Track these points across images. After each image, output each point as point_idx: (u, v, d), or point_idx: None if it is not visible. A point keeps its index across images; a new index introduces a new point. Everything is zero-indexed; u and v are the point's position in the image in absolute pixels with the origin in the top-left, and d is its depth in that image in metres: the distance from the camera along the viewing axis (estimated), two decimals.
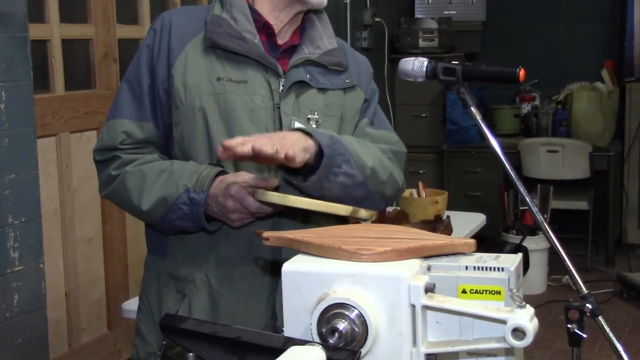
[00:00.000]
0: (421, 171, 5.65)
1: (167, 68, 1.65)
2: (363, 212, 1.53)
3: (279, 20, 1.70)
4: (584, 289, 1.33)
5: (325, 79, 1.72)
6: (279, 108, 1.65)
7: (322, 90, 1.71)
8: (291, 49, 1.72)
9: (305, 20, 1.75)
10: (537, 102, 5.74)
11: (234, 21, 1.66)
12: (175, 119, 1.66)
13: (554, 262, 4.85)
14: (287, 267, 1.16)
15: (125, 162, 1.66)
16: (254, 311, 1.64)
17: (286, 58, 1.70)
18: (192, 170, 1.61)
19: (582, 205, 5.29)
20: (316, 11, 1.75)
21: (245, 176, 1.57)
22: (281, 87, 1.66)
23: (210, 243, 1.66)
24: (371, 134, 1.77)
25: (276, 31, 1.70)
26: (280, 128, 1.64)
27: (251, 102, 1.64)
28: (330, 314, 1.11)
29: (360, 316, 1.10)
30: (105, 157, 1.69)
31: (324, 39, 1.73)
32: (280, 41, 1.72)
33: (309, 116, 1.68)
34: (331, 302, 1.11)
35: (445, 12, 5.76)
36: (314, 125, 1.67)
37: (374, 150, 1.70)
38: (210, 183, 1.57)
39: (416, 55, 1.64)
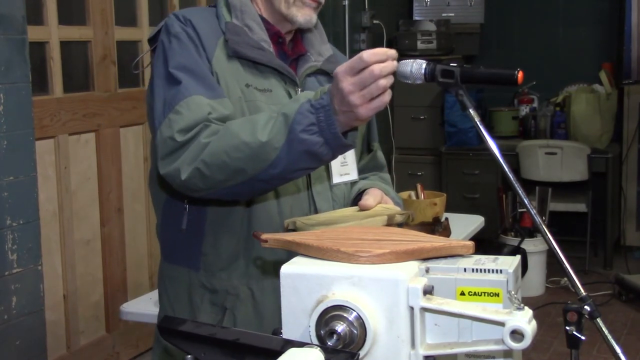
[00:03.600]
0: (419, 173, 5.65)
1: (207, 61, 1.57)
2: (398, 217, 1.54)
3: (279, 29, 1.69)
4: (582, 291, 1.33)
5: None
6: None
7: None
8: (297, 57, 1.72)
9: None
10: (535, 105, 5.74)
11: (249, 29, 1.63)
12: None
13: (553, 264, 4.85)
14: (285, 269, 1.16)
15: (218, 130, 1.46)
16: None
17: (293, 66, 1.70)
18: (305, 94, 1.46)
19: (581, 207, 5.29)
20: None
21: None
22: None
23: (247, 250, 1.60)
24: (380, 162, 1.86)
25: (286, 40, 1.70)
26: None
27: None
28: (329, 316, 1.11)
29: (359, 318, 1.10)
30: (190, 134, 1.46)
31: (322, 46, 1.74)
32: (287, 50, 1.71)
33: None
34: (330, 304, 1.11)
35: (444, 15, 5.76)
36: None
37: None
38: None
39: (414, 57, 1.64)
